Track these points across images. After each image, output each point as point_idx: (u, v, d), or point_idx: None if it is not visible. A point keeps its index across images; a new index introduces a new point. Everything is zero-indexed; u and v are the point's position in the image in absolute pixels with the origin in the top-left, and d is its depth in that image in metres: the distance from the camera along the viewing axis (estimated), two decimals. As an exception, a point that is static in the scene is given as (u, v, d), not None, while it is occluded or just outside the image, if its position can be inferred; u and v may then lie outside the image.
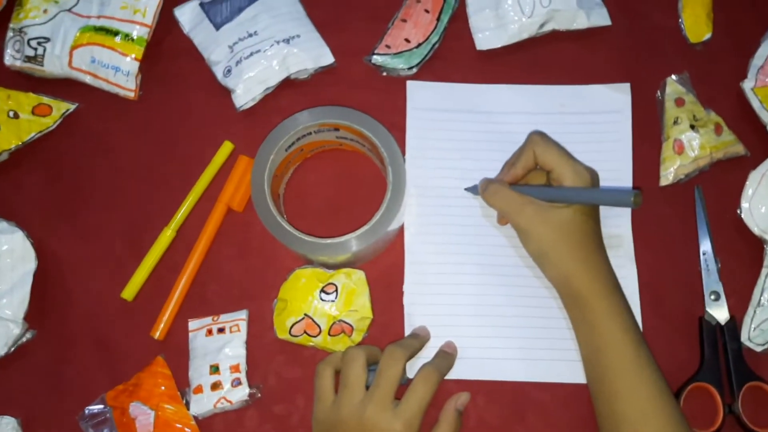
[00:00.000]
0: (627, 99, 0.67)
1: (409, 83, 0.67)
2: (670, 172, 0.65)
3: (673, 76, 0.67)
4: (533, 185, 0.60)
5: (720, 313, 0.61)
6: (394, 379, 0.55)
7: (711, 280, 0.62)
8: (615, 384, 0.54)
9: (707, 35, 0.69)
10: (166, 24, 0.69)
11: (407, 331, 0.62)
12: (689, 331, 0.62)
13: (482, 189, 0.60)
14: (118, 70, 0.67)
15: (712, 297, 0.62)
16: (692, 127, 0.65)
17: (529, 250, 0.57)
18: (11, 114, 0.66)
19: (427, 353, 0.61)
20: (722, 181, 0.65)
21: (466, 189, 0.64)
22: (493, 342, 0.62)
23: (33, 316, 0.62)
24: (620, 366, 0.54)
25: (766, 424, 0.58)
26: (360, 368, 0.56)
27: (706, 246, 0.63)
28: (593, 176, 0.57)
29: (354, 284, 0.61)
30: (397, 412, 0.54)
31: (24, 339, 0.62)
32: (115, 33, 0.67)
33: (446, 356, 0.60)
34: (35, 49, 0.67)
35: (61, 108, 0.68)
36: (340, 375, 0.57)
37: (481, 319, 0.62)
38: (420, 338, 0.60)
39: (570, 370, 0.61)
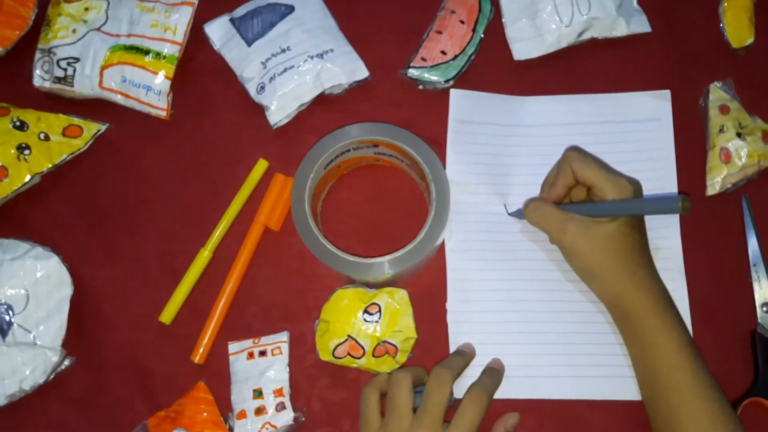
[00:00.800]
0: (667, 105, 0.66)
1: (453, 91, 0.66)
2: (716, 182, 0.63)
3: (717, 83, 0.65)
4: (575, 203, 0.59)
5: (773, 325, 0.60)
6: (442, 403, 0.54)
7: (763, 291, 0.61)
8: (673, 402, 0.52)
9: (750, 40, 0.67)
10: (196, 41, 0.68)
11: (452, 349, 0.61)
12: (742, 345, 0.60)
13: (524, 208, 0.59)
14: (150, 90, 0.66)
15: (765, 309, 0.60)
16: (738, 135, 0.63)
17: (574, 268, 0.56)
18: (42, 136, 0.65)
19: (472, 372, 0.59)
20: (770, 189, 0.64)
21: (510, 214, 0.63)
22: (540, 359, 0.61)
23: (70, 342, 0.61)
24: (678, 384, 0.52)
25: (825, 440, 0.56)
26: (407, 392, 0.54)
27: (756, 256, 0.62)
28: (636, 187, 0.56)
29: (397, 304, 0.59)
30: None
31: (62, 367, 0.61)
32: (146, 52, 0.66)
33: (494, 374, 0.58)
34: (65, 69, 0.66)
35: (92, 129, 0.67)
36: (386, 398, 0.56)
37: (526, 336, 0.61)
38: (466, 356, 0.59)
39: (620, 387, 0.59)
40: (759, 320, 0.60)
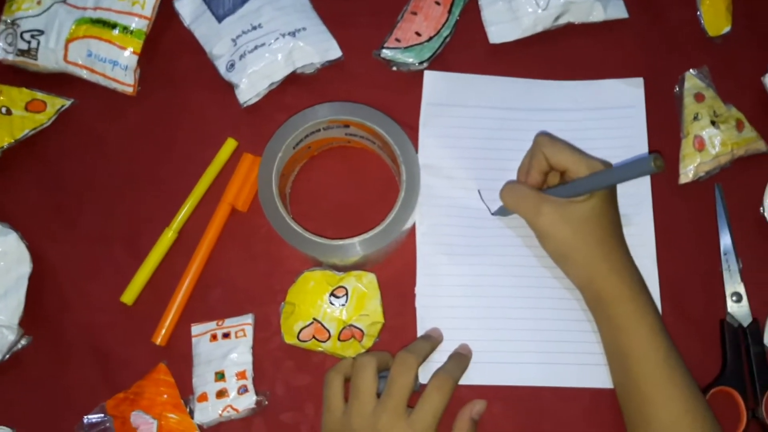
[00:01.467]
0: (640, 93, 0.65)
1: (427, 73, 0.65)
2: (690, 170, 0.63)
3: (692, 71, 0.65)
4: (551, 187, 0.58)
5: (742, 315, 0.59)
6: (406, 387, 0.53)
7: (732, 281, 0.60)
8: (645, 388, 0.52)
9: (726, 28, 0.67)
10: (165, 16, 0.67)
11: (420, 334, 0.60)
12: (711, 334, 0.60)
13: (500, 193, 0.58)
14: (116, 65, 0.64)
15: (734, 298, 0.60)
16: (713, 123, 0.63)
17: (549, 252, 0.55)
18: (3, 110, 0.63)
19: (440, 357, 0.58)
20: (744, 178, 0.63)
21: (494, 213, 0.62)
22: (508, 346, 0.60)
23: (28, 322, 0.60)
24: (649, 370, 0.52)
25: (793, 430, 0.56)
26: (371, 376, 0.53)
27: (727, 246, 0.61)
28: (607, 166, 0.55)
29: (365, 287, 0.58)
30: (411, 422, 0.51)
31: (19, 346, 0.59)
32: (113, 25, 0.64)
33: (460, 360, 0.57)
34: (28, 42, 0.64)
35: (56, 104, 0.65)
36: (350, 383, 0.55)
37: (496, 322, 0.60)
38: (432, 341, 0.58)
39: (588, 375, 0.59)
40: (728, 310, 0.60)
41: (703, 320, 0.60)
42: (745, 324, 0.59)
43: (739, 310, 0.60)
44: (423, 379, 0.57)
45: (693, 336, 0.60)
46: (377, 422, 0.51)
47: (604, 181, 0.52)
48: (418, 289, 0.61)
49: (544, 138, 0.57)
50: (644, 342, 0.52)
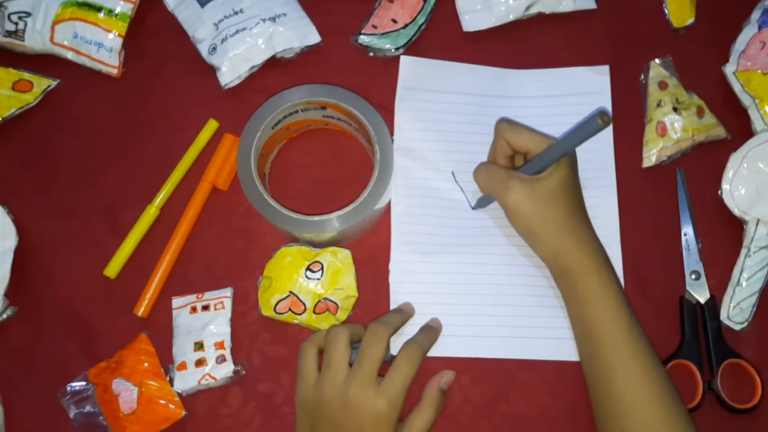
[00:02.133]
0: (606, 80, 0.68)
1: (403, 58, 0.67)
2: (652, 154, 0.65)
3: (657, 60, 0.68)
4: (518, 167, 0.60)
5: (700, 292, 0.62)
6: (377, 357, 0.55)
7: (692, 260, 0.63)
8: (608, 359, 0.54)
9: (690, 20, 0.69)
10: (149, 1, 0.68)
11: (392, 303, 0.62)
12: (670, 310, 0.63)
13: (473, 175, 0.60)
14: (101, 47, 0.66)
15: (693, 277, 0.63)
16: (675, 109, 0.65)
17: (517, 228, 0.57)
18: (-9, 89, 0.65)
19: (411, 330, 0.61)
20: (704, 163, 0.66)
21: (474, 208, 0.64)
22: (478, 320, 0.62)
23: (13, 293, 0.62)
24: (613, 341, 0.54)
25: (744, 400, 0.59)
26: (343, 347, 0.55)
27: (687, 227, 0.64)
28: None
29: (340, 263, 0.61)
30: (381, 390, 0.54)
31: (4, 316, 0.61)
32: (98, 8, 0.66)
33: (430, 332, 0.60)
34: (16, 23, 0.66)
35: (42, 84, 0.67)
36: (323, 354, 0.57)
37: (466, 297, 0.63)
38: (403, 313, 0.60)
39: (555, 348, 0.62)
40: (687, 287, 0.63)
41: (663, 297, 0.63)
42: (703, 301, 0.62)
43: (697, 287, 0.62)
44: (394, 350, 0.59)
45: (653, 312, 0.62)
46: (348, 390, 0.53)
47: (561, 149, 0.54)
48: (392, 265, 0.63)
49: (504, 124, 0.59)
50: (608, 313, 0.54)
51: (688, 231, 0.64)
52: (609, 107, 0.67)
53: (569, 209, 0.56)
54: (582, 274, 0.55)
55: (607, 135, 0.66)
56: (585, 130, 0.51)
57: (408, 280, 0.63)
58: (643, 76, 0.68)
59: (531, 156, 0.57)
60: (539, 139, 0.56)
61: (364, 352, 0.55)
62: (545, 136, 0.57)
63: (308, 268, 0.61)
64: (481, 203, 0.63)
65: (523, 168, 0.57)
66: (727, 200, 0.63)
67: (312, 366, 0.57)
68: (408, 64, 0.67)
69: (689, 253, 0.63)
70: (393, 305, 0.62)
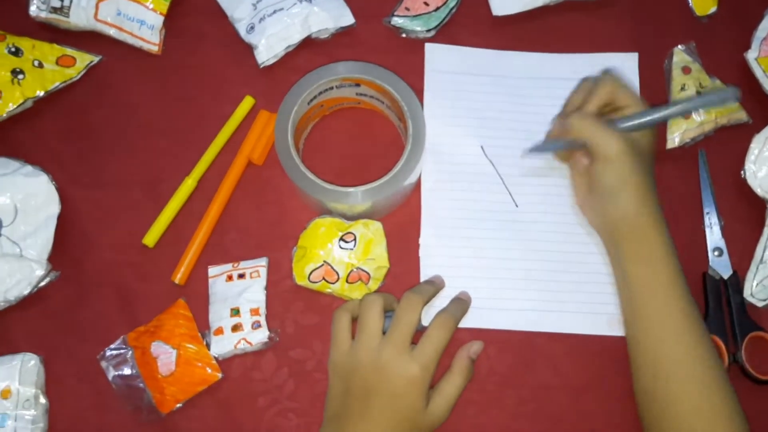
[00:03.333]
0: (634, 67, 0.70)
1: (428, 45, 0.69)
2: (676, 136, 0.67)
3: (680, 46, 0.70)
4: (614, 118, 0.58)
5: (723, 268, 0.64)
6: (411, 324, 0.56)
7: (714, 237, 0.65)
8: (660, 318, 0.54)
9: (713, 8, 0.71)
10: (190, -19, 0.71)
11: (422, 281, 0.64)
12: (694, 286, 0.63)
13: (562, 119, 0.58)
14: (143, 24, 0.68)
15: (716, 253, 0.64)
16: (698, 93, 0.67)
17: (606, 181, 0.55)
18: (36, 63, 0.67)
19: (440, 303, 0.62)
20: (725, 146, 0.68)
21: (529, 150, 0.60)
22: (506, 293, 0.64)
23: (56, 258, 0.63)
24: (670, 304, 0.54)
25: None
26: (377, 314, 0.57)
27: (709, 205, 0.66)
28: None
29: (372, 234, 0.63)
30: (414, 356, 0.55)
31: (47, 280, 0.63)
32: (141, -13, 0.68)
33: (461, 303, 0.62)
34: (62, 0, 0.68)
35: (85, 60, 0.69)
36: (356, 322, 0.59)
37: (494, 271, 0.64)
38: (435, 285, 0.62)
39: (581, 322, 0.63)
40: (710, 263, 0.64)
41: (688, 273, 0.63)
42: (726, 276, 0.64)
43: (720, 264, 0.64)
44: (425, 322, 0.61)
45: None
46: (382, 354, 0.55)
47: (692, 105, 0.54)
48: (422, 240, 0.65)
49: (611, 75, 0.58)
50: (674, 274, 0.55)
51: (710, 210, 0.66)
52: (637, 93, 0.68)
53: (651, 172, 0.56)
54: (652, 236, 0.55)
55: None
56: (717, 97, 0.52)
57: (437, 254, 0.65)
58: (667, 62, 0.70)
59: (625, 112, 0.57)
60: (641, 100, 0.57)
61: (399, 319, 0.57)
62: (643, 101, 0.57)
63: (341, 239, 0.62)
64: (539, 149, 0.60)
65: (620, 121, 0.56)
66: (750, 180, 0.65)
67: (346, 332, 0.58)
68: (433, 51, 0.69)
69: (711, 231, 0.65)
70: (423, 278, 0.64)
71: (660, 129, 0.68)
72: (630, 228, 0.55)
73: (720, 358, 0.55)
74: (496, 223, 0.65)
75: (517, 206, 0.66)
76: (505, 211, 0.66)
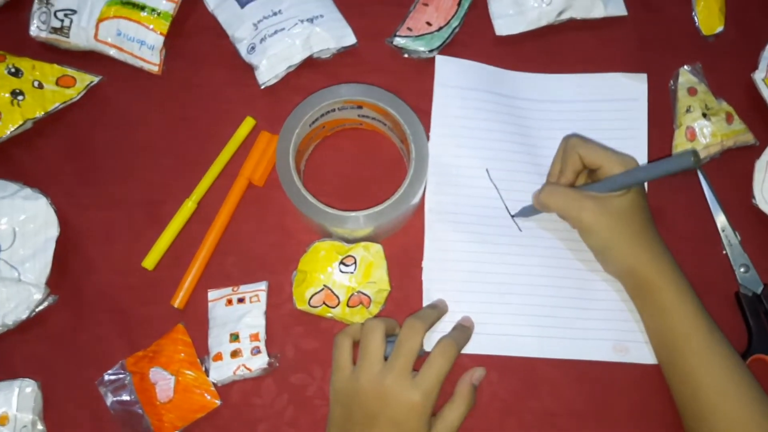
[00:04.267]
0: (643, 88, 0.69)
1: (438, 57, 0.69)
2: (681, 159, 0.66)
3: (686, 67, 0.69)
4: (587, 184, 0.60)
5: (754, 283, 0.63)
6: (413, 350, 0.56)
7: (736, 253, 0.64)
8: (691, 365, 0.55)
9: (719, 28, 0.71)
10: (190, 1, 0.70)
11: (425, 305, 0.63)
12: (727, 308, 0.63)
13: (537, 195, 0.61)
14: (143, 44, 0.68)
15: (743, 270, 0.63)
16: (704, 115, 0.66)
17: (591, 245, 0.59)
18: (36, 84, 0.67)
19: (443, 327, 0.62)
20: (732, 168, 0.67)
21: (514, 216, 0.65)
22: (509, 318, 0.63)
23: (54, 282, 0.63)
24: (695, 348, 0.55)
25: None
26: (379, 339, 0.57)
27: (722, 223, 0.65)
28: (635, 161, 0.58)
29: (372, 257, 0.62)
30: (416, 383, 0.55)
31: (45, 304, 0.62)
32: (142, 7, 0.68)
33: (463, 330, 0.61)
34: (62, 20, 0.68)
35: (85, 80, 0.69)
36: (358, 346, 0.58)
37: (497, 296, 0.64)
38: (438, 309, 0.61)
39: (584, 348, 0.63)
40: (739, 281, 0.63)
41: (717, 297, 0.63)
42: (759, 291, 0.62)
43: (749, 279, 0.63)
44: (428, 347, 0.60)
45: (714, 314, 0.59)
46: (384, 381, 0.55)
47: (643, 176, 0.56)
48: (425, 263, 0.64)
49: (577, 140, 0.60)
50: (688, 322, 0.55)
51: (724, 227, 0.65)
52: (645, 115, 0.68)
53: (642, 225, 0.57)
54: (660, 287, 0.56)
55: (641, 141, 0.68)
56: (672, 164, 0.52)
57: (440, 278, 0.64)
58: (672, 82, 0.69)
59: (602, 172, 0.58)
60: (614, 158, 0.58)
61: (401, 345, 0.56)
62: (619, 154, 0.58)
63: (341, 262, 0.62)
64: (525, 213, 0.64)
65: (594, 185, 0.58)
66: (762, 206, 0.64)
67: (347, 357, 0.58)
68: (444, 64, 0.69)
69: (732, 248, 0.64)
70: (426, 302, 0.63)
71: (665, 151, 0.68)
72: (632, 284, 0.58)
73: (760, 390, 0.54)
74: (498, 247, 0.65)
75: (520, 231, 0.65)
76: (508, 235, 0.65)
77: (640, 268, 0.57)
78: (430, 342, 0.60)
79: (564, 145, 0.62)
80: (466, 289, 0.64)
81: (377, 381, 0.55)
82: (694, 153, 0.49)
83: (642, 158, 0.67)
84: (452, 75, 0.68)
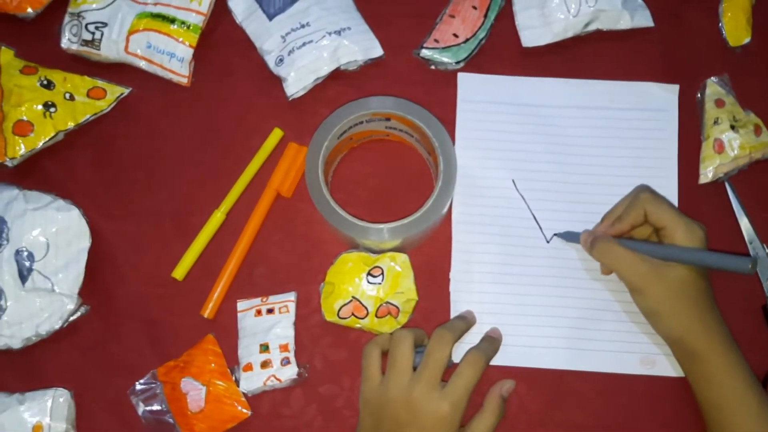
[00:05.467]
0: (674, 99, 0.69)
1: (461, 75, 0.69)
2: (709, 171, 0.66)
3: (713, 78, 0.69)
4: (646, 243, 0.59)
5: (782, 295, 0.63)
6: (442, 361, 0.56)
7: (763, 266, 0.64)
8: None
9: (747, 39, 0.70)
10: (219, 13, 0.71)
11: (452, 316, 0.64)
12: (754, 321, 0.63)
13: (589, 244, 0.60)
14: (173, 57, 0.68)
15: (770, 282, 0.63)
16: (732, 127, 0.66)
17: (641, 307, 0.57)
18: (67, 96, 0.68)
19: (471, 338, 0.62)
20: (760, 180, 0.67)
21: (557, 235, 0.65)
22: (537, 330, 0.64)
23: (87, 292, 0.64)
24: (744, 420, 0.55)
25: None
26: (408, 349, 0.57)
27: (750, 235, 0.65)
28: (705, 232, 0.57)
29: (399, 267, 0.62)
30: (445, 393, 0.55)
31: (78, 314, 0.63)
32: (172, 20, 0.68)
33: (492, 341, 0.61)
34: (93, 33, 0.69)
35: (115, 92, 0.69)
36: (387, 356, 0.58)
37: (525, 308, 0.64)
38: (467, 321, 0.62)
39: (612, 360, 0.63)
40: (767, 293, 0.63)
41: (744, 309, 0.63)
42: None
43: None
44: (456, 358, 0.60)
45: (740, 327, 0.59)
46: (413, 391, 0.55)
47: (699, 260, 0.55)
48: (452, 275, 0.65)
49: (648, 194, 0.59)
50: (738, 394, 0.55)
51: (752, 239, 0.65)
52: (675, 127, 0.68)
53: (699, 297, 0.56)
54: (711, 358, 0.55)
55: (671, 152, 0.68)
56: (730, 262, 0.52)
57: (468, 290, 0.64)
58: (699, 94, 0.69)
59: (665, 234, 0.57)
60: (680, 223, 0.56)
61: (430, 356, 0.56)
62: (687, 219, 0.57)
63: (369, 273, 0.62)
64: (568, 238, 0.64)
65: (650, 247, 0.57)
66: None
67: (376, 367, 0.58)
68: (466, 81, 0.69)
69: (761, 261, 0.64)
70: (453, 312, 0.64)
71: (693, 163, 0.67)
72: (683, 350, 0.56)
73: None
74: (526, 259, 0.65)
75: (548, 242, 0.65)
76: (536, 247, 0.65)
77: (691, 338, 0.55)
78: (458, 353, 0.60)
79: (634, 194, 0.60)
80: (494, 301, 0.64)
81: (406, 391, 0.55)
82: (753, 260, 0.50)
83: (672, 170, 0.67)
84: (475, 90, 0.69)
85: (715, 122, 0.67)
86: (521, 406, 0.62)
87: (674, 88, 0.69)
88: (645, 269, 0.56)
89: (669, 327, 0.56)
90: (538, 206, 0.66)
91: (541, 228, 0.65)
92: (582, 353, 0.63)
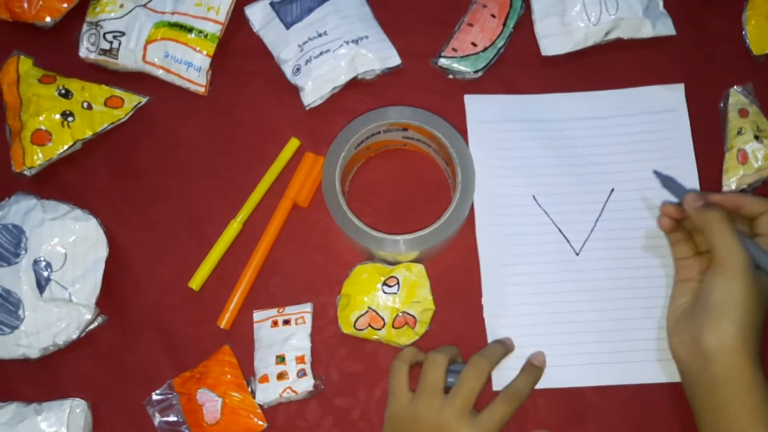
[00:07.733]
0: (681, 97, 0.68)
1: (467, 97, 0.68)
2: (732, 182, 0.65)
3: (737, 87, 0.68)
4: (752, 241, 0.56)
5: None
6: (475, 389, 0.56)
7: None
8: None
9: (771, 48, 0.69)
10: (236, 22, 0.71)
11: (489, 337, 0.63)
12: None
13: (696, 207, 0.56)
14: (191, 66, 0.68)
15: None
16: (756, 138, 0.65)
17: (714, 297, 0.54)
18: (85, 105, 0.68)
19: (512, 362, 0.61)
20: (786, 191, 0.66)
21: (656, 173, 0.64)
22: (577, 348, 0.63)
23: (104, 302, 0.64)
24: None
25: None
26: (442, 373, 0.57)
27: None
28: None
29: (415, 277, 0.62)
30: (476, 422, 0.55)
31: (95, 324, 0.63)
32: (189, 29, 0.68)
33: (533, 371, 0.60)
34: (110, 42, 0.69)
35: (132, 101, 0.69)
36: (419, 374, 0.58)
37: (562, 326, 0.63)
38: (505, 347, 0.61)
39: (631, 371, 0.62)
40: None
41: None
42: None
43: None
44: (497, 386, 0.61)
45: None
46: (443, 414, 0.55)
47: None
48: (484, 300, 0.63)
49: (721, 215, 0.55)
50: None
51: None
52: (687, 126, 0.67)
53: (762, 321, 0.55)
54: (748, 385, 0.52)
55: (687, 151, 0.67)
56: None
57: (505, 314, 0.63)
58: (722, 103, 0.68)
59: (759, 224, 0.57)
60: None
61: (465, 383, 0.56)
62: None
63: (384, 283, 0.62)
64: (666, 182, 0.62)
65: (755, 248, 0.55)
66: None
67: (404, 383, 0.58)
68: (473, 102, 0.68)
69: None
70: (491, 338, 0.63)
71: (715, 173, 0.66)
72: (724, 367, 0.53)
73: None
74: (548, 276, 0.64)
75: (577, 254, 0.64)
76: (558, 261, 0.64)
77: (740, 353, 0.53)
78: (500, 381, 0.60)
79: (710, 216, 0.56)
80: (530, 323, 0.63)
81: (436, 414, 0.55)
82: None
83: (691, 171, 0.66)
84: (484, 111, 0.68)
85: (739, 132, 0.66)
86: (539, 422, 0.61)
87: (679, 87, 0.68)
88: (744, 260, 0.53)
89: (730, 331, 0.53)
90: (561, 219, 0.65)
91: (568, 240, 0.65)
92: (602, 367, 0.62)
